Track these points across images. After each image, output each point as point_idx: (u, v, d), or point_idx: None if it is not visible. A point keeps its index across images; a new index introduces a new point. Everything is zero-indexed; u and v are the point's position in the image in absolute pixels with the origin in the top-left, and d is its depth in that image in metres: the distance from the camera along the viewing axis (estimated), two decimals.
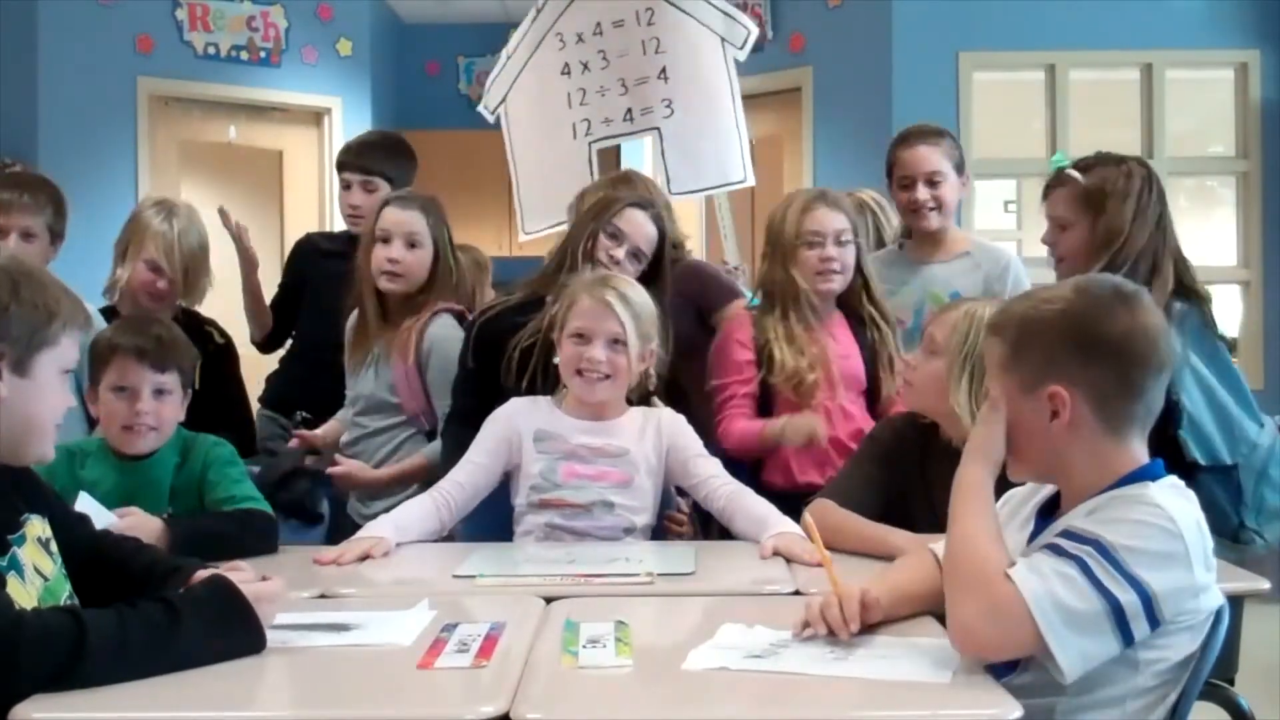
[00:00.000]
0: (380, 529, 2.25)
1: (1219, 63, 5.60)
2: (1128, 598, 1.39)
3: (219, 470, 2.32)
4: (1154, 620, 1.41)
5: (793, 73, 5.81)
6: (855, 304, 2.80)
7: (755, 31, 3.62)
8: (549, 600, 1.82)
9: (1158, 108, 5.53)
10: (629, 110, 3.62)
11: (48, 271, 1.63)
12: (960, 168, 3.06)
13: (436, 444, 2.75)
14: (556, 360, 2.42)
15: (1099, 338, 1.51)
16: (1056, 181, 2.69)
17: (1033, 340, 1.55)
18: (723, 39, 3.57)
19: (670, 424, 2.45)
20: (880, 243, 3.35)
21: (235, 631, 1.52)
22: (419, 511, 2.34)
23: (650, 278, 2.64)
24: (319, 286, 3.31)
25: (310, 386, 3.19)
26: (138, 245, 2.97)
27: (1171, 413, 2.42)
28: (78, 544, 1.72)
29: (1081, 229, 2.61)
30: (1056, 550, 1.43)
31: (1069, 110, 5.50)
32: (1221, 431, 2.53)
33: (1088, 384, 1.51)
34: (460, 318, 2.84)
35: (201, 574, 1.68)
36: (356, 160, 3.32)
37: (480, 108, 3.90)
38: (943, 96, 5.35)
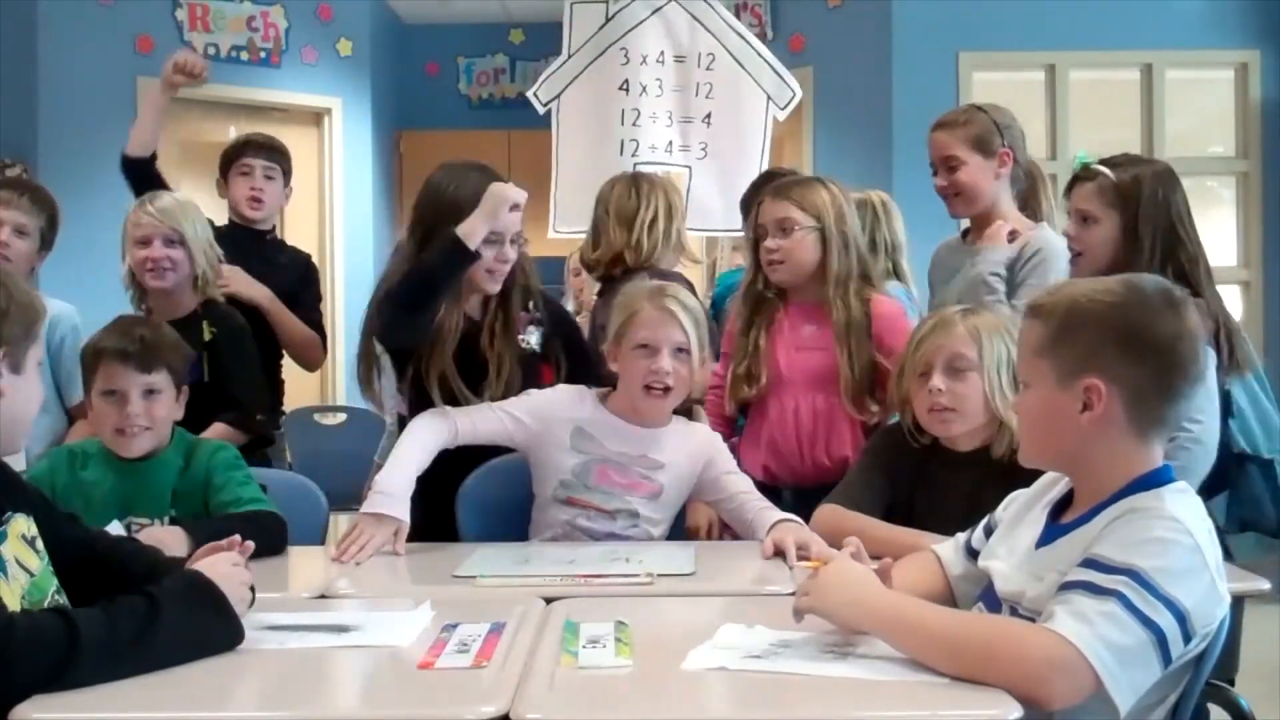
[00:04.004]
0: (392, 506, 2.22)
1: (1219, 63, 5.60)
2: (1167, 622, 1.38)
3: (224, 474, 2.31)
4: (1188, 637, 1.41)
5: (793, 73, 5.78)
6: (818, 294, 2.65)
7: (799, 94, 3.78)
8: (549, 600, 1.82)
9: (1158, 108, 5.53)
10: (670, 142, 3.76)
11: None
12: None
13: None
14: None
15: (1147, 337, 1.50)
16: (1084, 176, 2.62)
17: (1078, 329, 1.52)
18: (769, 97, 3.68)
19: (708, 441, 2.45)
20: (872, 245, 3.39)
21: (212, 625, 1.53)
22: (431, 443, 2.32)
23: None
24: None
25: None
26: (126, 236, 2.97)
27: (1225, 401, 2.42)
28: (68, 543, 1.71)
29: (1110, 224, 2.54)
30: (1091, 588, 1.40)
31: (1069, 110, 5.50)
32: (1260, 424, 2.54)
33: (1127, 381, 1.49)
34: None
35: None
36: (261, 151, 3.49)
37: (530, 94, 3.94)
38: (943, 97, 5.34)
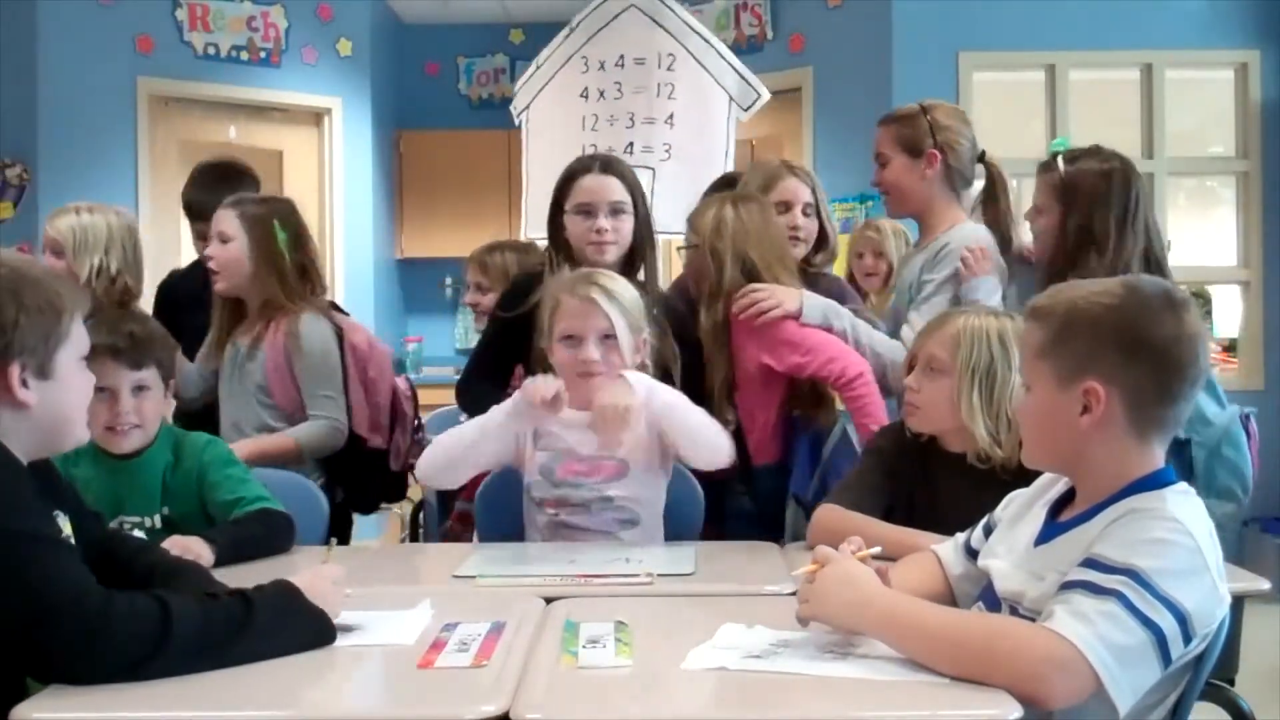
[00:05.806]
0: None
1: (1219, 63, 5.60)
2: (1167, 623, 1.38)
3: (220, 471, 2.31)
4: (1188, 638, 1.41)
5: (793, 73, 5.81)
6: None
7: (766, 96, 3.77)
8: (549, 600, 1.83)
9: (1158, 108, 5.53)
10: (631, 144, 3.78)
11: (37, 264, 1.63)
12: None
13: (304, 425, 2.80)
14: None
15: (1145, 339, 1.49)
16: (1047, 165, 2.76)
17: (1077, 332, 1.52)
18: (731, 98, 3.71)
19: (649, 396, 2.35)
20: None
21: (304, 624, 1.55)
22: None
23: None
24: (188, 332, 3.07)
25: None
26: None
27: None
28: (93, 541, 1.73)
29: (1052, 217, 2.70)
30: (1091, 588, 1.40)
31: (1069, 110, 5.50)
32: None
33: (1125, 384, 1.49)
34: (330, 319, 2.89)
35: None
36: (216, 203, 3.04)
37: (512, 107, 4.02)
38: (942, 96, 5.27)
